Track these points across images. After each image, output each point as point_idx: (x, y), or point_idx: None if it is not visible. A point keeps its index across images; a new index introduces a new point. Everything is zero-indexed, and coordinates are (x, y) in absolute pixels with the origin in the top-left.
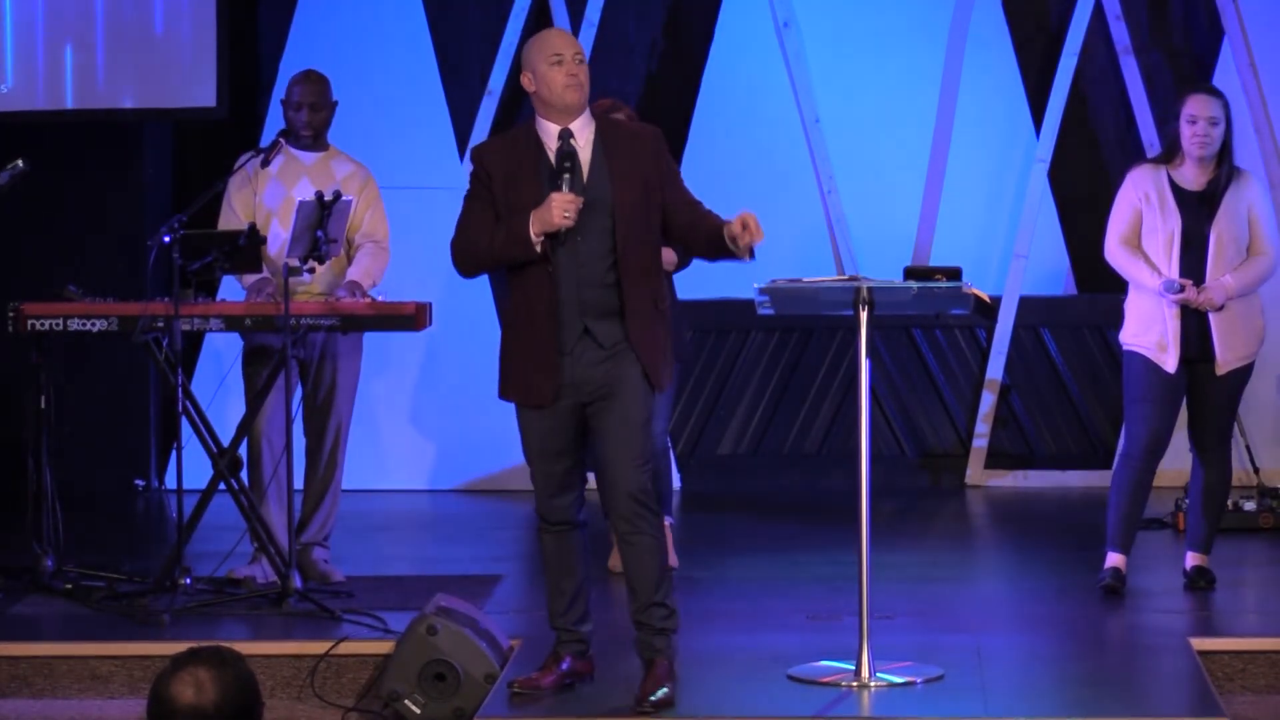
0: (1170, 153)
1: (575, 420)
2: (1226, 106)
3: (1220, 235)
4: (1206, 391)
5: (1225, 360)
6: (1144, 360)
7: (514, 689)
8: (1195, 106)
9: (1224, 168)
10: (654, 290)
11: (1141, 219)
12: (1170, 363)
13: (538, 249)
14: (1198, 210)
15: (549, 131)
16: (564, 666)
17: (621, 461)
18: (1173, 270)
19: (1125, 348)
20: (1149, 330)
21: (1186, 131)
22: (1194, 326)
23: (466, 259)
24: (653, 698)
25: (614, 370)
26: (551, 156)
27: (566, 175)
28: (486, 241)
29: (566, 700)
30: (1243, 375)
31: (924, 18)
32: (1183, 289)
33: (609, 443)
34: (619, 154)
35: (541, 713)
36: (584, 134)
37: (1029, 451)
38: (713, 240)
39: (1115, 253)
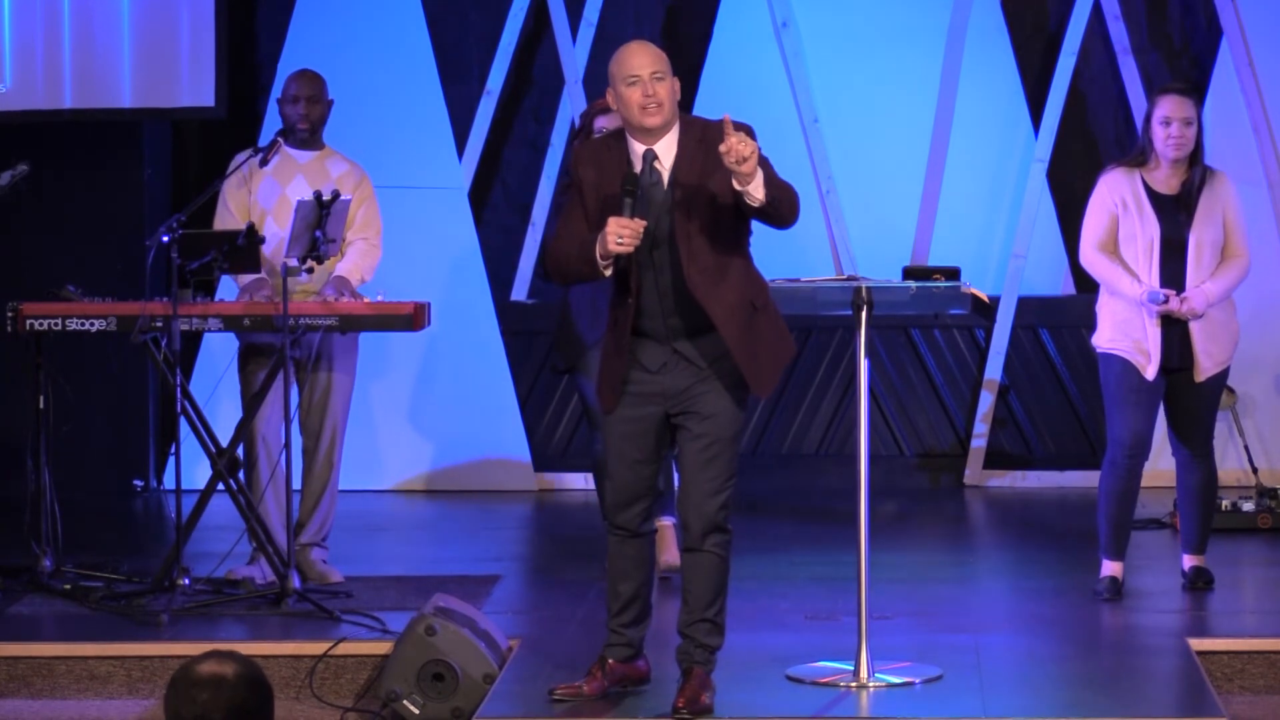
0: (1143, 155)
1: (657, 433)
2: (1198, 106)
3: (1199, 241)
4: (1187, 398)
5: (1206, 368)
6: (1123, 362)
7: (555, 696)
8: (1168, 107)
9: (1196, 169)
10: (745, 292)
11: (1118, 224)
12: (1151, 372)
13: (605, 273)
14: (1174, 215)
15: (635, 151)
16: (610, 673)
17: (698, 481)
18: (1153, 277)
19: (1100, 351)
20: (1126, 336)
21: (1160, 133)
22: (1175, 336)
23: (554, 267)
24: (692, 706)
25: (703, 385)
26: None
27: (629, 201)
28: (565, 253)
29: (569, 703)
30: (1221, 378)
31: (923, 18)
32: (1166, 300)
33: (689, 462)
34: (685, 169)
35: (542, 714)
36: (669, 156)
37: (1027, 452)
38: (742, 200)
39: (1093, 259)
